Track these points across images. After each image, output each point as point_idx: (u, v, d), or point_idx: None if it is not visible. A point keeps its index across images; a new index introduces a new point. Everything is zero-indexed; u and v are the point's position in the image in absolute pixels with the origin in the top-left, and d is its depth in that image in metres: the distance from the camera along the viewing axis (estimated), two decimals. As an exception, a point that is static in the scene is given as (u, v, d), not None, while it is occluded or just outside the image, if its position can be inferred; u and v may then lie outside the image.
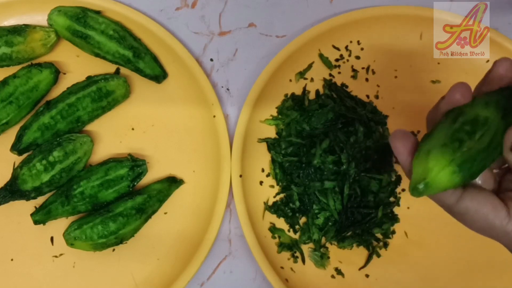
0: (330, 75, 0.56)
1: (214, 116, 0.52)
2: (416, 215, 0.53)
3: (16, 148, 0.50)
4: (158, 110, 0.54)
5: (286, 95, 0.55)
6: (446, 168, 0.30)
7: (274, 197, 0.53)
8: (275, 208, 0.52)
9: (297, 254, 0.51)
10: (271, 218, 0.52)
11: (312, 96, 0.55)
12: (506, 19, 0.59)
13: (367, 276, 0.51)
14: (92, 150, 0.51)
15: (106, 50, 0.52)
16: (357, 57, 0.56)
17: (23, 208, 0.50)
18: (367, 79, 0.56)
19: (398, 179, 0.53)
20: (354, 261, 0.52)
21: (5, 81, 0.50)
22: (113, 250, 0.50)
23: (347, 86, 0.55)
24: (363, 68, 0.56)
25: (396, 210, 0.53)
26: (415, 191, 0.31)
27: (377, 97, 0.55)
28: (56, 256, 0.50)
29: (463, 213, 0.32)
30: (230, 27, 0.57)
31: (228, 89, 0.56)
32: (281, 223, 0.52)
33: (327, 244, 0.52)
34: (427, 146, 0.31)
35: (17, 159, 0.50)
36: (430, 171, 0.30)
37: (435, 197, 0.33)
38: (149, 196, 0.50)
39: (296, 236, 0.52)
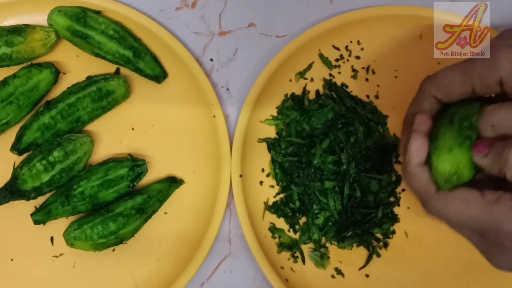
0: (330, 75, 0.56)
1: (214, 116, 0.52)
2: (416, 215, 0.53)
3: (16, 148, 0.50)
4: (158, 110, 0.54)
5: (286, 95, 0.55)
6: (468, 164, 0.36)
7: (274, 197, 0.53)
8: (275, 208, 0.52)
9: (297, 254, 0.51)
10: (271, 218, 0.52)
11: (312, 96, 0.55)
12: (506, 19, 0.59)
13: (367, 276, 0.51)
14: (92, 150, 0.51)
15: (106, 50, 0.52)
16: (357, 57, 0.56)
17: (23, 208, 0.50)
18: (367, 79, 0.56)
19: (398, 179, 0.53)
20: (354, 261, 0.52)
21: (5, 81, 0.50)
22: (113, 250, 0.50)
23: (347, 86, 0.55)
24: (363, 68, 0.56)
25: (396, 210, 0.53)
26: (447, 183, 0.36)
27: (377, 97, 0.55)
28: (56, 256, 0.50)
29: (441, 200, 0.36)
30: (230, 27, 0.57)
31: (228, 89, 0.56)
32: (281, 223, 0.52)
33: (327, 244, 0.52)
34: (443, 146, 0.37)
35: (17, 159, 0.50)
36: (459, 164, 0.36)
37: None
38: (149, 196, 0.50)
39: (296, 236, 0.52)
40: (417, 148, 0.38)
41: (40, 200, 0.50)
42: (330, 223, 0.51)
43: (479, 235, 0.36)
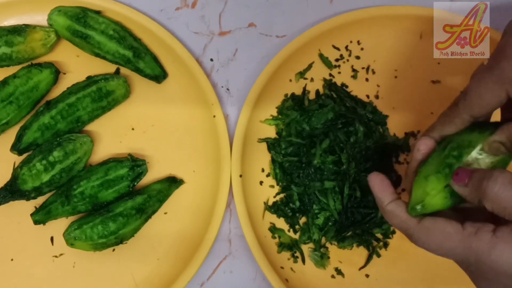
0: (330, 75, 0.56)
1: (214, 116, 0.52)
2: (416, 215, 0.53)
3: (16, 148, 0.50)
4: (158, 110, 0.54)
5: (286, 95, 0.55)
6: (441, 193, 0.35)
7: (274, 197, 0.53)
8: (275, 208, 0.52)
9: (297, 254, 0.51)
10: (271, 218, 0.52)
11: (312, 96, 0.55)
12: (506, 19, 0.59)
13: (367, 276, 0.51)
14: (92, 150, 0.51)
15: (106, 50, 0.52)
16: (357, 57, 0.56)
17: (23, 208, 0.50)
18: (367, 79, 0.56)
19: (398, 179, 0.53)
20: (354, 261, 0.52)
21: (5, 81, 0.50)
22: (113, 250, 0.50)
23: (347, 86, 0.55)
24: (363, 68, 0.56)
25: (396, 210, 0.53)
26: (413, 211, 0.36)
27: (377, 97, 0.55)
28: (56, 256, 0.50)
29: (422, 232, 0.36)
30: (230, 27, 0.57)
31: (228, 89, 0.56)
32: (281, 223, 0.52)
33: (327, 244, 0.52)
34: (424, 173, 0.37)
35: (17, 159, 0.50)
36: (427, 195, 0.35)
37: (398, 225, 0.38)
38: (149, 196, 0.50)
39: (296, 236, 0.52)
40: (380, 188, 0.38)
41: (40, 200, 0.50)
42: (330, 223, 0.51)
43: (463, 265, 0.36)
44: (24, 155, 0.51)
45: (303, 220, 0.52)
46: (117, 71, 0.54)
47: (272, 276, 0.48)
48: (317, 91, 0.55)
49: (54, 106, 0.50)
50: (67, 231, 0.48)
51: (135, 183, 0.51)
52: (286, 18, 0.57)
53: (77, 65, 0.54)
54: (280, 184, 0.52)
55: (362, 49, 0.56)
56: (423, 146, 0.38)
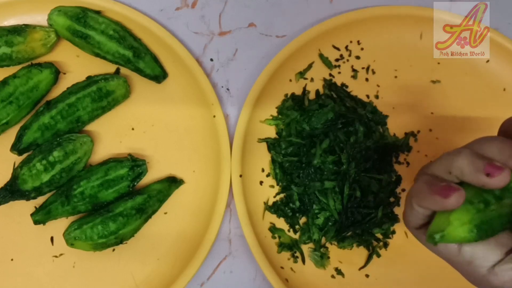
0: (330, 75, 0.56)
1: (214, 116, 0.52)
2: (416, 215, 0.53)
3: (16, 148, 0.50)
4: (158, 110, 0.54)
5: (286, 95, 0.55)
6: (465, 225, 0.31)
7: (274, 197, 0.53)
8: (275, 208, 0.52)
9: (297, 254, 0.51)
10: (271, 218, 0.52)
11: (312, 96, 0.55)
12: (506, 19, 0.59)
13: (367, 276, 0.51)
14: (92, 150, 0.51)
15: (106, 50, 0.52)
16: (357, 57, 0.56)
17: (23, 208, 0.50)
18: (367, 79, 0.56)
19: (398, 179, 0.53)
20: (354, 261, 0.52)
21: (5, 81, 0.50)
22: (113, 250, 0.50)
23: (347, 86, 0.55)
24: (363, 68, 0.56)
25: (396, 210, 0.53)
26: (430, 239, 0.32)
27: (377, 97, 0.55)
28: (56, 256, 0.50)
29: (420, 238, 0.34)
30: (230, 27, 0.57)
31: (228, 89, 0.56)
32: (281, 223, 0.52)
33: (327, 244, 0.52)
34: None
35: (17, 159, 0.50)
36: (450, 224, 0.31)
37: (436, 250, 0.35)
38: (149, 196, 0.50)
39: (296, 236, 0.52)
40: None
41: (40, 200, 0.50)
42: (330, 223, 0.51)
43: None
44: (24, 155, 0.51)
45: (303, 220, 0.52)
46: (117, 71, 0.54)
47: (272, 276, 0.48)
48: (317, 91, 0.55)
49: (54, 106, 0.50)
50: (67, 231, 0.48)
51: (135, 183, 0.51)
52: (286, 18, 0.57)
53: (77, 65, 0.54)
54: (280, 184, 0.52)
55: (362, 49, 0.56)
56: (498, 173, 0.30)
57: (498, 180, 0.29)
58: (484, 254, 0.32)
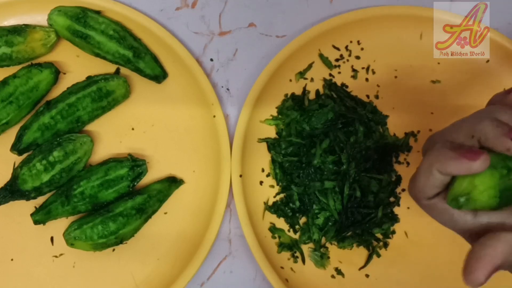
0: (330, 75, 0.56)
1: (214, 116, 0.52)
2: (416, 215, 0.53)
3: (16, 148, 0.50)
4: (158, 110, 0.54)
5: (286, 95, 0.55)
6: (490, 190, 0.31)
7: (274, 197, 0.53)
8: (275, 208, 0.52)
9: (297, 254, 0.51)
10: (271, 218, 0.52)
11: (312, 96, 0.55)
12: (506, 19, 0.59)
13: (367, 276, 0.51)
14: (92, 150, 0.51)
15: (106, 50, 0.52)
16: (357, 57, 0.56)
17: (23, 208, 0.50)
18: (367, 79, 0.56)
19: (398, 179, 0.53)
20: (354, 261, 0.52)
21: (5, 81, 0.50)
22: (113, 250, 0.50)
23: (347, 86, 0.55)
24: (363, 68, 0.56)
25: (396, 210, 0.53)
26: (454, 202, 0.31)
27: (377, 97, 0.55)
28: (56, 256, 0.50)
29: (432, 208, 0.34)
30: (230, 27, 0.57)
31: (228, 89, 0.56)
32: (281, 223, 0.52)
33: (327, 244, 0.52)
34: None
35: (17, 159, 0.50)
36: (475, 188, 0.31)
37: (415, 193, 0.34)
38: (149, 196, 0.50)
39: (296, 236, 0.52)
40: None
41: (40, 200, 0.50)
42: (330, 223, 0.51)
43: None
44: (24, 155, 0.51)
45: (303, 220, 0.52)
46: (117, 71, 0.54)
47: (272, 276, 0.48)
48: (317, 91, 0.55)
49: (54, 106, 0.50)
50: (67, 231, 0.48)
51: (135, 183, 0.51)
52: (286, 18, 0.57)
53: (77, 65, 0.54)
54: (280, 184, 0.52)
55: (362, 49, 0.56)
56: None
57: None
58: (500, 222, 0.32)
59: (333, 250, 0.52)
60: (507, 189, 0.31)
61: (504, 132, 0.30)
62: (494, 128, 0.31)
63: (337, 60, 0.56)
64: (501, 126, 0.31)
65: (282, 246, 0.51)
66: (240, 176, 0.51)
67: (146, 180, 0.52)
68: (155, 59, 0.54)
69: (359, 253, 0.52)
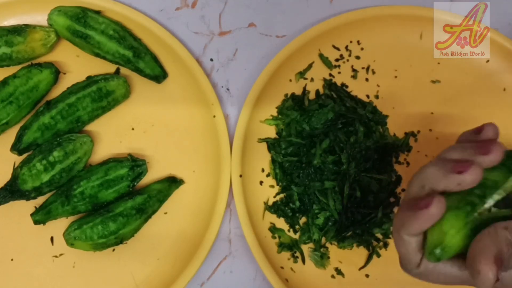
0: (330, 75, 0.56)
1: (214, 116, 0.52)
2: (416, 215, 0.52)
3: (16, 148, 0.50)
4: (158, 110, 0.54)
5: (286, 95, 0.55)
6: (461, 231, 0.30)
7: (274, 197, 0.53)
8: (275, 208, 0.52)
9: (297, 254, 0.51)
10: (271, 218, 0.52)
11: (312, 96, 0.55)
12: (506, 19, 0.59)
13: (367, 276, 0.51)
14: (92, 150, 0.51)
15: (106, 50, 0.52)
16: (357, 57, 0.56)
17: (23, 208, 0.50)
18: (367, 79, 0.56)
19: (398, 179, 0.53)
20: (354, 261, 0.52)
21: (5, 81, 0.50)
22: (113, 250, 0.50)
23: (347, 86, 0.55)
24: (363, 68, 0.56)
25: (396, 210, 0.53)
26: (432, 256, 0.31)
27: (377, 97, 0.55)
28: (56, 256, 0.50)
29: (426, 273, 0.33)
30: (230, 27, 0.57)
31: (228, 89, 0.56)
32: (281, 223, 0.52)
33: (327, 244, 0.52)
34: None
35: (17, 159, 0.50)
36: (446, 234, 0.30)
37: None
38: (149, 196, 0.50)
39: (296, 236, 0.52)
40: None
41: (40, 200, 0.50)
42: (330, 223, 0.51)
43: None
44: (24, 155, 0.51)
45: (303, 220, 0.52)
46: (117, 71, 0.54)
47: (272, 276, 0.48)
48: (317, 91, 0.55)
49: (54, 106, 0.50)
50: (67, 231, 0.48)
51: (135, 183, 0.51)
52: (286, 18, 0.57)
53: (77, 65, 0.54)
54: (280, 184, 0.52)
55: (362, 49, 0.56)
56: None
57: (471, 173, 0.29)
58: None
59: (333, 250, 0.52)
60: (478, 225, 0.30)
61: (448, 169, 0.30)
62: (438, 170, 0.31)
63: (337, 60, 0.56)
64: (444, 165, 0.30)
65: (282, 246, 0.51)
66: (240, 176, 0.51)
67: (146, 180, 0.52)
68: (155, 59, 0.54)
69: (359, 253, 0.52)
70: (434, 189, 0.31)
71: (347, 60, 0.56)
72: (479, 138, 0.33)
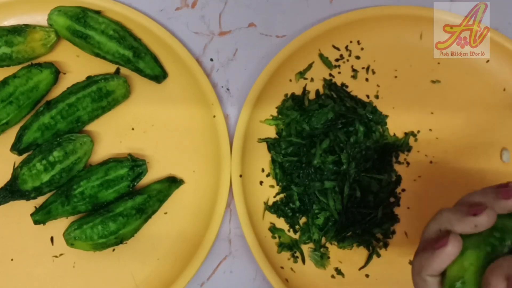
0: (330, 75, 0.56)
1: (214, 116, 0.52)
2: (416, 215, 0.53)
3: (16, 148, 0.50)
4: (158, 110, 0.54)
5: (286, 95, 0.55)
6: (480, 270, 0.31)
7: (274, 197, 0.53)
8: (275, 208, 0.52)
9: (297, 254, 0.51)
10: (271, 218, 0.52)
11: (312, 96, 0.55)
12: (506, 19, 0.59)
13: (367, 276, 0.51)
14: (92, 150, 0.51)
15: (106, 50, 0.52)
16: (357, 57, 0.56)
17: (23, 208, 0.50)
18: (367, 79, 0.56)
19: (398, 179, 0.53)
20: (354, 261, 0.52)
21: (5, 81, 0.50)
22: (113, 250, 0.50)
23: (347, 86, 0.55)
24: (363, 68, 0.56)
25: (396, 210, 0.53)
26: None
27: (377, 97, 0.55)
28: (56, 256, 0.50)
29: None
30: (230, 27, 0.57)
31: (228, 89, 0.56)
32: (281, 223, 0.52)
33: (327, 244, 0.52)
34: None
35: (17, 159, 0.50)
36: (467, 270, 0.31)
37: None
38: (149, 196, 0.50)
39: (296, 236, 0.52)
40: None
41: (40, 200, 0.50)
42: (330, 223, 0.51)
43: None
44: (24, 155, 0.51)
45: (303, 220, 0.52)
46: (117, 71, 0.54)
47: (272, 276, 0.48)
48: (317, 91, 0.55)
49: (54, 106, 0.50)
50: (67, 231, 0.48)
51: (135, 183, 0.51)
52: (286, 18, 0.57)
53: (77, 65, 0.54)
54: (280, 184, 0.52)
55: (362, 49, 0.56)
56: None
57: (486, 216, 0.31)
58: None
59: (333, 250, 0.52)
60: None
61: (464, 213, 0.31)
62: (453, 214, 0.32)
63: (337, 60, 0.56)
64: (460, 209, 0.32)
65: (282, 246, 0.51)
66: (240, 176, 0.51)
67: (146, 180, 0.52)
68: (155, 59, 0.54)
69: (359, 253, 0.52)
70: (451, 231, 0.32)
71: (347, 60, 0.56)
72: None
